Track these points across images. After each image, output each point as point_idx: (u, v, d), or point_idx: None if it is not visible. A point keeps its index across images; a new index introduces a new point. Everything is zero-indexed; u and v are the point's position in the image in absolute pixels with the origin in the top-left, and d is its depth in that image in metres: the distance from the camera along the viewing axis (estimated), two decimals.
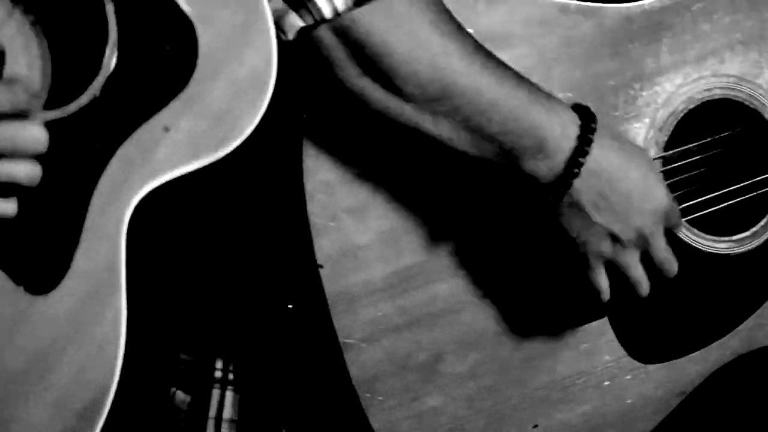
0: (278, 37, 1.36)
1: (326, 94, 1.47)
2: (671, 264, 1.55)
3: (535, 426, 1.62)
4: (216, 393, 1.59)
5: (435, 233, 1.56)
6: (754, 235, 1.67)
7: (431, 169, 1.53)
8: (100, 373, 1.34)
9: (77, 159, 1.30)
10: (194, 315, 1.57)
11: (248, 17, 1.32)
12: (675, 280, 1.57)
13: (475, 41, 1.46)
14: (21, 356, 1.33)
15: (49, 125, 1.27)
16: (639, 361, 1.66)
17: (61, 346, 1.34)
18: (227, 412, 1.58)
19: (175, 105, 1.31)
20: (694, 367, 1.69)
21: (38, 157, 1.23)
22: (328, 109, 1.50)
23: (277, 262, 1.55)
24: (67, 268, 1.32)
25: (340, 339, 1.53)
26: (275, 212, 1.55)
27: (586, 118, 1.48)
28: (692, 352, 1.68)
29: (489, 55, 1.46)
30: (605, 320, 1.63)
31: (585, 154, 1.46)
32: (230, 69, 1.34)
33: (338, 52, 1.42)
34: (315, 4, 1.39)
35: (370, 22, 1.41)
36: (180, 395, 1.57)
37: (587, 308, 1.61)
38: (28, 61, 1.27)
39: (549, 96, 1.49)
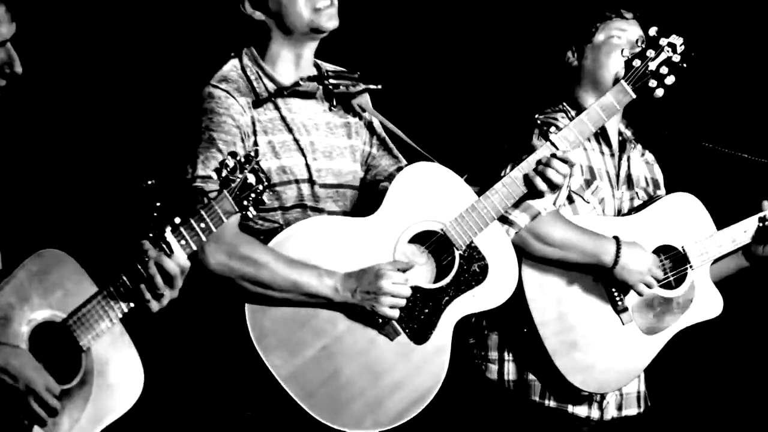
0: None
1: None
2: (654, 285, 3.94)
3: None
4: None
5: (569, 306, 3.96)
6: (681, 289, 4.07)
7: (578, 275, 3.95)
8: (425, 386, 3.52)
9: (437, 299, 3.53)
10: None
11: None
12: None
13: (587, 230, 3.90)
14: (396, 373, 3.50)
15: (422, 290, 3.50)
16: None
17: (416, 369, 3.51)
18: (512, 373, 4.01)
19: (477, 288, 3.57)
20: None
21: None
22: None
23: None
24: (428, 337, 3.51)
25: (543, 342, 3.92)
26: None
27: (617, 239, 3.88)
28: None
29: (583, 228, 3.86)
30: None
31: (620, 247, 3.86)
32: (502, 283, 3.60)
33: (530, 239, 3.78)
34: (514, 223, 3.72)
35: (537, 226, 3.75)
36: (492, 367, 4.01)
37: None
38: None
39: (604, 236, 3.87)
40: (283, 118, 3.55)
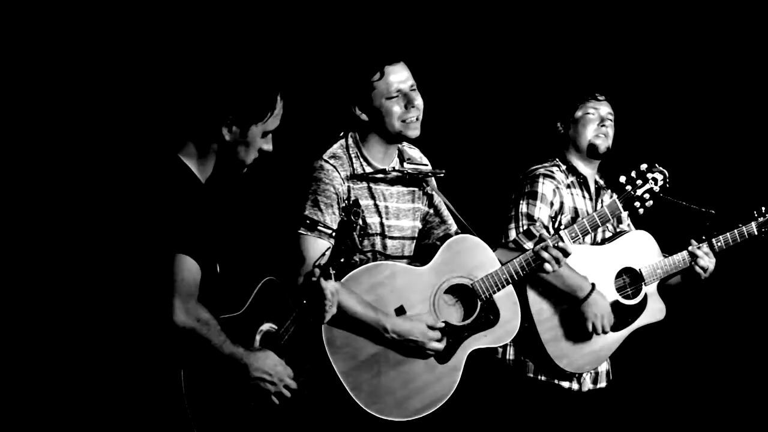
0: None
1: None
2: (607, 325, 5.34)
3: None
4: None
5: (560, 311, 5.35)
6: (637, 299, 5.48)
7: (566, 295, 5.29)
8: (441, 392, 4.77)
9: (460, 333, 4.84)
10: None
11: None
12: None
13: (575, 271, 5.27)
14: (420, 380, 4.79)
15: (450, 325, 4.81)
16: None
17: (436, 380, 4.84)
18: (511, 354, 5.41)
19: (491, 330, 4.85)
20: None
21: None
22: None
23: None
24: (449, 359, 4.81)
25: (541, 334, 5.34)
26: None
27: (593, 285, 5.23)
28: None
29: (573, 269, 5.23)
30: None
31: (593, 291, 5.23)
32: (506, 331, 4.88)
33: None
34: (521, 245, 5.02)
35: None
36: (499, 348, 5.37)
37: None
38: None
39: (583, 276, 5.21)
40: (369, 188, 4.82)
